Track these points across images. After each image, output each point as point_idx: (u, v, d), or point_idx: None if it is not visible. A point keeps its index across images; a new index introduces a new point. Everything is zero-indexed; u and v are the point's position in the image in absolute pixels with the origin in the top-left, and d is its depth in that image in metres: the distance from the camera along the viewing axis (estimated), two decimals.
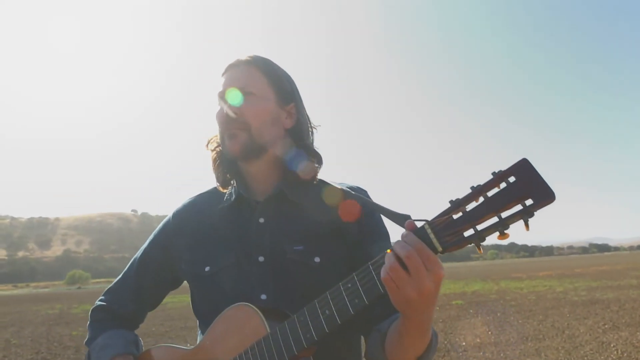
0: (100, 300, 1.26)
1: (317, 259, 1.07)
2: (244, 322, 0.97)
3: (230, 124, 1.11)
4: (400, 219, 0.88)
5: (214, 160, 1.19)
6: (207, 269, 1.11)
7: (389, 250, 0.82)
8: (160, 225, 1.25)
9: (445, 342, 8.53)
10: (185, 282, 1.26)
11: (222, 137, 1.14)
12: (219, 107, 1.16)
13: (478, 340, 8.59)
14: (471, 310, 12.98)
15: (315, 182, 1.16)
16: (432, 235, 0.79)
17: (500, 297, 16.53)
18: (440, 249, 0.80)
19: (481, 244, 0.78)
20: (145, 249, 1.25)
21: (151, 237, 1.26)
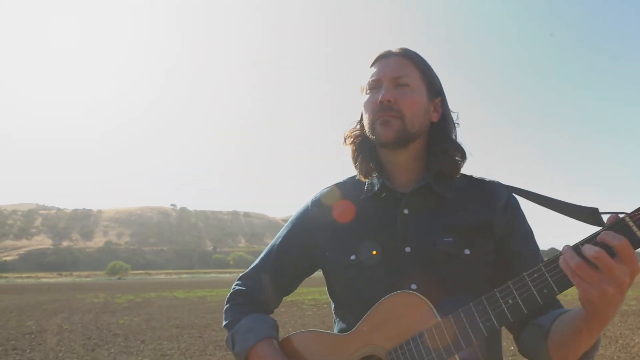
0: (238, 285, 1.28)
1: (467, 251, 1.06)
2: (410, 309, 0.95)
3: (385, 111, 1.12)
4: (586, 213, 0.86)
5: (354, 152, 1.21)
6: (352, 257, 1.12)
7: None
8: (298, 213, 1.26)
9: None
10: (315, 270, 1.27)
11: (372, 124, 1.15)
12: (367, 96, 1.18)
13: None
14: None
15: (458, 176, 1.16)
16: (634, 228, 0.77)
17: None
18: None
19: None
20: (284, 236, 1.26)
21: (289, 225, 1.27)
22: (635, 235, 0.77)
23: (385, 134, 1.12)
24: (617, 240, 0.77)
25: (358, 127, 1.23)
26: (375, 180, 1.17)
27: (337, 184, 1.26)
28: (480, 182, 1.16)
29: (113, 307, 18.36)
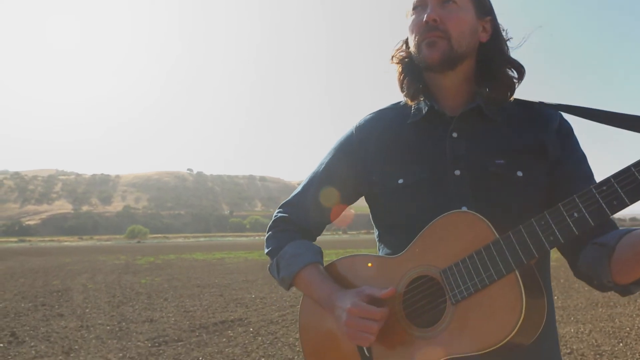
0: (281, 213, 1.26)
1: (519, 173, 1.03)
2: (466, 228, 0.94)
3: (430, 31, 1.07)
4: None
5: (401, 73, 1.16)
6: (400, 181, 1.09)
7: None
8: (342, 139, 1.23)
9: None
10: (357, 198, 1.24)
11: (418, 46, 1.10)
12: (412, 17, 1.13)
13: None
14: None
15: (510, 99, 1.12)
16: None
17: (561, 265, 16.02)
18: None
19: None
20: (327, 163, 1.23)
21: (332, 151, 1.24)
22: None
23: (431, 55, 1.07)
24: None
25: (404, 47, 1.17)
26: (422, 104, 1.13)
27: (381, 110, 1.22)
28: (530, 104, 1.12)
29: (134, 268, 18.77)
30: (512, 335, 0.84)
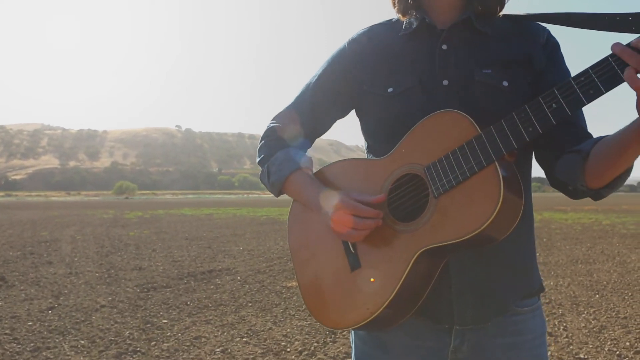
0: (273, 123, 1.27)
1: (505, 83, 1.06)
2: (450, 126, 0.97)
3: None
4: (627, 18, 0.83)
5: None
6: (390, 90, 1.12)
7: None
8: (335, 53, 1.24)
9: None
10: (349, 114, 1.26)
11: None
12: None
13: None
14: None
15: (500, 15, 1.14)
16: None
17: (544, 226, 16.44)
18: None
19: None
20: (320, 75, 1.25)
21: (324, 65, 1.25)
22: None
23: None
24: None
25: None
26: (413, 19, 1.15)
27: (374, 25, 1.23)
28: (519, 18, 1.14)
29: (123, 221, 18.84)
30: (488, 222, 0.88)
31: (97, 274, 7.11)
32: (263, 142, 1.26)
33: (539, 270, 1.18)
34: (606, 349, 3.89)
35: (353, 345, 1.21)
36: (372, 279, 1.02)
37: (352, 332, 1.20)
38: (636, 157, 0.90)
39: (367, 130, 1.20)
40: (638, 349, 3.90)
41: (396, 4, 1.18)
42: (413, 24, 1.15)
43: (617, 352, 3.81)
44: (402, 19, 1.18)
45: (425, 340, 1.09)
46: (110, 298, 5.59)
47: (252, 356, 3.76)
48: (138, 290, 6.00)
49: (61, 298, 5.61)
